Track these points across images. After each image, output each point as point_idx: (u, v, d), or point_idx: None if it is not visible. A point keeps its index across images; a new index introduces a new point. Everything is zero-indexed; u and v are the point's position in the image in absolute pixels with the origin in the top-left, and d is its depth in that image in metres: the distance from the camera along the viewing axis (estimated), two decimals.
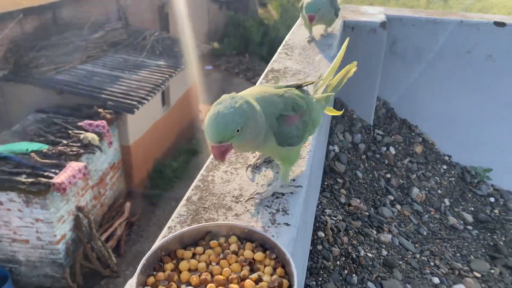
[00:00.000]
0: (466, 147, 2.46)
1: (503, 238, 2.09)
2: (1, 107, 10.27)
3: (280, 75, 1.54)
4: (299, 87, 1.16)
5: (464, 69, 2.29)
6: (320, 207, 1.64)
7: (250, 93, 1.06)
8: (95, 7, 12.59)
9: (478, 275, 1.87)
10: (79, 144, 8.35)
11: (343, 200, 1.89)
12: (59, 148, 8.11)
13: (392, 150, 2.39)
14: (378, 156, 2.31)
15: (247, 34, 19.68)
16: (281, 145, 1.03)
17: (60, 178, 7.43)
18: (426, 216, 2.11)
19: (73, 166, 7.77)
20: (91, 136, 8.42)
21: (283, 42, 2.00)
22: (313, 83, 1.24)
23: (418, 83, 2.37)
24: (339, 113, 1.31)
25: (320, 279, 1.40)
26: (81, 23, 11.54)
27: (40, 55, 10.04)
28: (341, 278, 1.45)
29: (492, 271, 1.90)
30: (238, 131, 0.90)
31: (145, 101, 9.68)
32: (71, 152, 8.08)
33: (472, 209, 2.28)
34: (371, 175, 2.16)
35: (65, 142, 8.32)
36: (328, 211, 1.63)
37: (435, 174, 2.39)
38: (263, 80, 1.50)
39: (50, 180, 7.37)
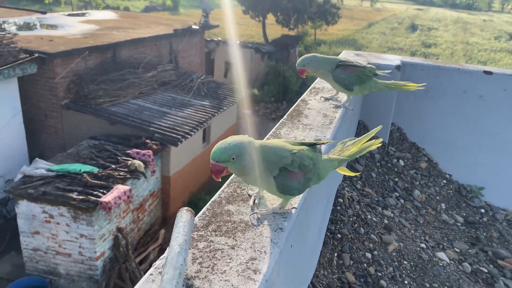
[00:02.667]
0: (463, 168, 2.98)
1: (485, 234, 2.52)
2: (59, 132, 11.27)
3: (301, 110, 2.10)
4: (313, 145, 1.33)
5: (462, 105, 2.89)
6: (340, 186, 2.23)
7: (265, 142, 1.23)
8: (150, 49, 13.78)
9: (458, 250, 2.33)
10: (126, 170, 9.07)
11: (359, 186, 2.44)
12: (108, 171, 8.84)
13: (401, 162, 2.96)
14: (389, 165, 2.86)
15: (286, 83, 20.58)
16: (281, 193, 1.20)
17: (107, 197, 8.10)
18: (424, 211, 2.59)
19: (119, 188, 8.45)
20: (137, 163, 9.15)
21: (312, 85, 2.65)
22: (324, 143, 1.42)
23: (425, 114, 2.98)
24: (352, 174, 1.59)
25: (337, 226, 1.98)
26: (137, 63, 12.64)
27: (99, 88, 11.06)
28: (352, 228, 2.01)
29: (470, 250, 2.34)
30: (233, 158, 1.10)
31: (188, 136, 10.45)
32: (118, 176, 8.79)
33: (464, 214, 2.71)
34: (382, 177, 2.68)
35: (114, 166, 9.06)
36: (347, 189, 2.22)
37: (435, 185, 2.87)
38: (287, 119, 1.96)
39: (98, 199, 8.03)
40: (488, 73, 2.71)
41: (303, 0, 31.88)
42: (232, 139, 1.13)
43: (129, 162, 9.19)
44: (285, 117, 1.91)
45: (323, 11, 35.23)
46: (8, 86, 9.85)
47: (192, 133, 10.63)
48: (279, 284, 1.08)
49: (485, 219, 2.68)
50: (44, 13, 16.41)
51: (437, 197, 2.74)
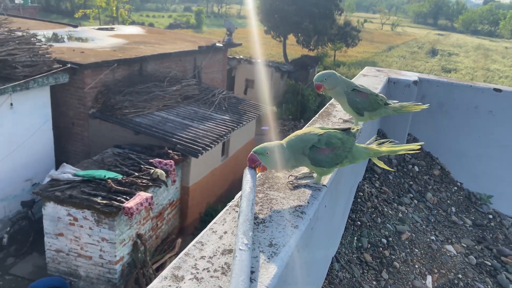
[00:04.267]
0: (474, 178, 3.21)
1: (491, 235, 2.74)
2: (85, 140, 11.72)
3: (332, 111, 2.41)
4: (344, 130, 1.58)
5: (473, 119, 3.14)
6: (360, 183, 2.50)
7: (294, 133, 1.53)
8: (175, 64, 14.29)
9: (464, 245, 2.55)
10: (148, 178, 9.40)
11: (377, 185, 2.70)
12: (131, 178, 9.18)
13: (416, 168, 3.20)
14: (405, 169, 3.10)
15: (304, 102, 20.92)
16: (314, 165, 1.46)
17: (129, 203, 8.41)
18: (435, 211, 2.81)
19: (141, 195, 8.77)
20: (159, 172, 9.49)
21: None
22: (354, 128, 1.64)
23: (439, 126, 3.24)
24: (387, 167, 1.83)
25: (357, 215, 2.26)
26: (162, 77, 13.13)
27: (125, 99, 11.52)
28: (370, 218, 2.29)
29: (476, 247, 2.56)
30: (267, 153, 1.37)
31: (209, 148, 10.78)
32: (141, 183, 9.12)
33: (473, 218, 2.91)
34: (398, 180, 2.92)
35: (137, 174, 9.40)
36: (366, 185, 2.49)
37: (447, 191, 3.08)
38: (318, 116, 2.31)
39: (121, 204, 8.34)
40: (498, 90, 2.98)
41: (324, 22, 32.45)
42: (267, 143, 1.44)
43: (152, 171, 9.52)
44: (316, 116, 2.20)
45: (343, 33, 35.76)
46: (41, 94, 10.37)
47: (212, 146, 10.96)
48: (316, 231, 1.36)
49: (492, 223, 2.91)
50: (76, 26, 17.15)
51: (448, 201, 2.98)
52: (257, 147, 1.41)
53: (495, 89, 2.97)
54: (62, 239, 8.91)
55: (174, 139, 10.75)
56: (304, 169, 1.60)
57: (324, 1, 32.10)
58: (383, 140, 1.74)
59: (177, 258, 0.96)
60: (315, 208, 1.28)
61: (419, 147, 1.69)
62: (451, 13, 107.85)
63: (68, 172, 9.27)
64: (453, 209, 2.93)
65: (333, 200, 1.63)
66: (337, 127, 1.64)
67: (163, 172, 9.63)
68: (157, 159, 10.08)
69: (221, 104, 13.59)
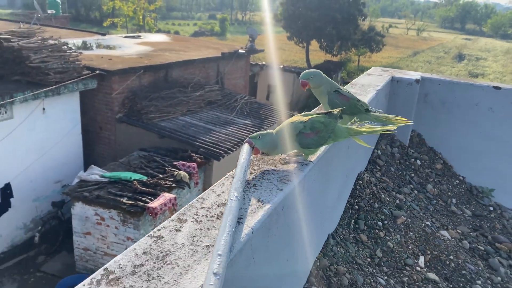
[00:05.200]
0: (475, 172, 3.32)
1: (488, 224, 2.85)
2: (112, 143, 12.18)
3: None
4: (327, 113, 1.79)
5: (474, 116, 3.27)
6: (360, 173, 2.70)
7: (284, 123, 1.75)
8: (199, 70, 14.68)
9: (460, 232, 2.69)
10: (172, 179, 9.72)
11: (377, 175, 2.87)
12: (156, 180, 9.52)
13: (418, 161, 3.34)
14: (407, 163, 3.24)
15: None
16: (302, 147, 1.69)
17: (154, 204, 8.73)
18: (434, 201, 2.96)
19: (165, 196, 9.08)
20: (183, 174, 9.81)
21: (353, 81, 3.17)
22: (334, 111, 1.83)
23: (442, 123, 3.39)
24: (366, 144, 2.02)
25: (356, 200, 2.45)
26: (186, 82, 13.52)
27: (150, 104, 11.93)
28: (368, 203, 2.47)
29: (471, 233, 2.70)
30: (259, 137, 1.62)
31: (231, 152, 11.06)
32: (165, 185, 9.44)
33: (473, 209, 3.03)
34: (400, 172, 3.06)
35: (161, 176, 9.73)
36: (366, 174, 2.67)
37: (448, 183, 3.20)
38: None
39: (146, 204, 8.67)
40: (497, 88, 3.14)
41: (347, 28, 32.50)
42: (262, 131, 1.70)
43: (175, 173, 9.85)
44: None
45: (367, 38, 35.67)
46: (71, 99, 10.88)
47: (234, 149, 11.22)
48: (304, 199, 1.59)
49: (492, 215, 3.05)
50: (104, 34, 17.80)
51: (449, 193, 3.14)
52: (252, 135, 1.67)
53: (495, 87, 3.12)
54: (90, 238, 9.30)
55: (197, 143, 11.06)
56: (294, 151, 1.83)
57: (347, 7, 32.17)
58: (363, 121, 1.96)
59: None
60: (301, 178, 1.52)
61: (395, 128, 1.91)
62: (480, 17, 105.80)
63: (95, 173, 9.69)
64: (454, 200, 3.08)
65: (323, 176, 1.86)
66: (319, 112, 1.85)
67: (186, 174, 9.93)
68: (180, 161, 10.39)
69: (243, 109, 13.88)
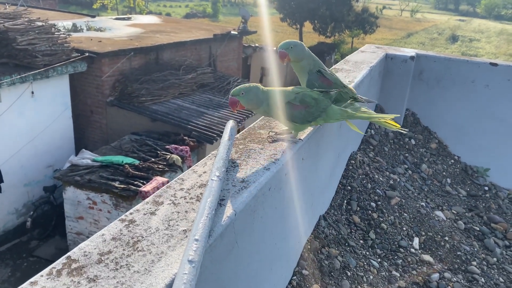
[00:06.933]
0: (471, 151, 3.27)
1: (483, 204, 2.81)
2: (103, 127, 12.03)
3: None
4: (323, 91, 1.69)
5: (470, 93, 3.19)
6: (353, 153, 2.62)
7: (274, 88, 1.64)
8: (190, 52, 14.46)
9: (455, 212, 2.65)
10: (164, 163, 9.65)
11: (371, 155, 2.80)
12: (148, 163, 9.44)
13: (412, 141, 3.27)
14: (401, 142, 3.17)
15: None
16: (288, 120, 1.58)
17: (146, 187, 8.67)
18: (429, 181, 2.91)
19: (158, 180, 9.01)
20: (175, 157, 9.72)
21: (346, 58, 3.06)
22: (331, 91, 1.72)
23: (437, 101, 3.31)
24: (358, 130, 1.83)
25: (348, 181, 2.38)
26: (178, 65, 13.32)
27: (141, 87, 11.75)
28: (361, 183, 2.39)
29: (466, 214, 2.66)
30: (242, 93, 1.51)
31: None
32: (157, 168, 9.37)
33: (468, 189, 2.98)
34: (393, 152, 2.99)
35: (153, 159, 9.65)
36: (359, 154, 2.60)
37: (443, 163, 3.14)
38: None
39: (138, 188, 8.60)
40: (494, 64, 3.04)
41: (341, 9, 32.16)
42: (247, 84, 1.58)
43: (168, 156, 9.76)
44: None
45: (361, 20, 35.33)
46: (61, 82, 10.67)
47: None
48: (293, 179, 1.51)
49: (487, 195, 2.99)
50: (94, 17, 17.46)
51: (444, 173, 3.07)
52: (234, 89, 1.55)
53: (491, 63, 3.03)
54: (82, 222, 9.24)
55: (190, 126, 10.95)
56: (283, 127, 1.73)
57: None
58: (358, 104, 1.84)
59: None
60: (290, 157, 1.42)
61: (393, 117, 1.77)
62: None
63: (87, 157, 9.57)
64: (448, 180, 3.01)
65: (313, 156, 1.77)
66: (319, 89, 1.73)
67: (179, 158, 9.85)
68: (173, 145, 10.30)
69: None
